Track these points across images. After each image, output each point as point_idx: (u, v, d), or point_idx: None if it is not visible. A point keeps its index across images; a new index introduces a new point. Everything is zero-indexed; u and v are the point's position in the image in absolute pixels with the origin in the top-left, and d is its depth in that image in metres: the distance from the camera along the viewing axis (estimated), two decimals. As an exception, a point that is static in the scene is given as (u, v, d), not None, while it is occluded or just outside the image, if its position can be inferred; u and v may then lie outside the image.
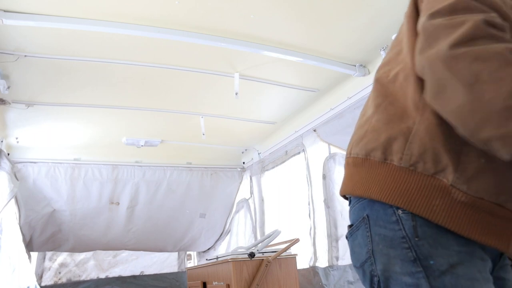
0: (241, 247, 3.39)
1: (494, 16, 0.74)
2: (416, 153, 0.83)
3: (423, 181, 0.82)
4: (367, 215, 0.90)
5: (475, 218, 0.80)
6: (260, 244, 3.04)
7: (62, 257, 4.63)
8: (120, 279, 4.82)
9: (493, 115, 0.67)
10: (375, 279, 0.87)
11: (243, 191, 4.99)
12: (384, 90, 0.95)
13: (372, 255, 0.87)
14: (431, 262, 0.80)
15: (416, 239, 0.81)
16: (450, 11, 0.76)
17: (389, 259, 0.84)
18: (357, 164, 0.94)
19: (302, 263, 3.42)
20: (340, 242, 3.29)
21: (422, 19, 0.80)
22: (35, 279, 3.93)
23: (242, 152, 4.85)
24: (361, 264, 0.91)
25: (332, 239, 3.31)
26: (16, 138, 3.71)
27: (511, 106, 0.64)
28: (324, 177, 3.43)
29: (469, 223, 0.79)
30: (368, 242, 0.88)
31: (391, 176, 0.86)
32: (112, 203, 4.40)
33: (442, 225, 0.80)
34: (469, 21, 0.71)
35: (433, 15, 0.77)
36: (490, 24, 0.71)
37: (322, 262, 3.35)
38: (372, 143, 0.91)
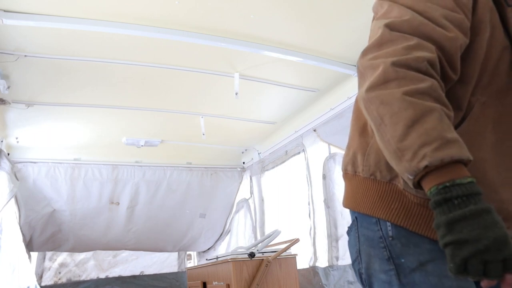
0: (241, 247, 3.39)
1: (412, 47, 0.80)
2: (373, 163, 0.92)
3: (383, 187, 0.90)
4: (356, 218, 0.97)
5: (430, 217, 0.83)
6: (260, 244, 3.04)
7: (62, 257, 4.63)
8: (120, 279, 4.82)
9: (391, 154, 0.75)
10: (363, 276, 0.93)
11: (243, 191, 4.99)
12: (355, 105, 1.04)
13: (359, 254, 0.94)
14: (402, 260, 0.85)
15: (390, 238, 0.87)
16: (378, 46, 0.83)
17: (370, 258, 0.91)
18: (344, 178, 1.05)
19: (302, 263, 3.42)
20: (340, 242, 3.29)
21: (359, 56, 0.87)
22: (35, 279, 3.93)
23: (242, 152, 4.85)
24: (352, 262, 0.98)
25: (332, 239, 3.31)
26: (16, 138, 3.71)
27: (401, 148, 0.73)
28: (324, 177, 3.43)
29: (424, 222, 0.84)
30: (356, 242, 0.95)
31: (359, 186, 0.95)
32: (112, 203, 4.40)
33: (402, 226, 0.85)
34: (381, 65, 0.78)
35: (364, 53, 0.85)
36: (400, 65, 0.78)
37: (322, 262, 3.35)
38: (345, 158, 1.02)
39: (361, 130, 0.97)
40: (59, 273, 4.59)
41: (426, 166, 0.70)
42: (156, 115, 3.53)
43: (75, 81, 2.84)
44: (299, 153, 3.90)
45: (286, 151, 4.08)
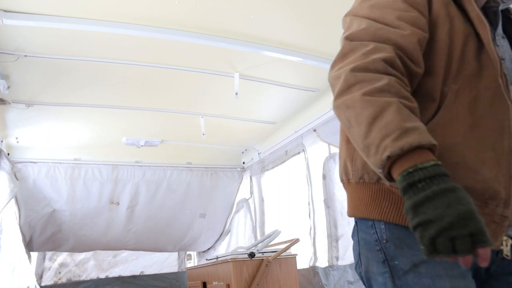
0: (241, 247, 3.39)
1: (369, 51, 0.86)
2: (360, 167, 0.95)
3: (372, 188, 0.93)
4: (356, 222, 1.00)
5: None
6: (260, 244, 3.04)
7: (62, 257, 4.64)
8: (120, 279, 4.82)
9: (362, 153, 0.80)
10: (364, 279, 0.96)
11: (243, 191, 4.99)
12: None
13: (359, 258, 0.97)
14: (396, 262, 0.87)
15: (384, 241, 0.89)
16: (341, 57, 0.90)
17: (368, 261, 0.93)
18: (343, 187, 1.08)
19: (302, 263, 3.42)
20: (340, 242, 3.29)
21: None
22: (35, 279, 3.93)
23: (242, 152, 4.85)
24: (355, 266, 1.00)
25: (332, 239, 3.31)
26: (16, 138, 3.71)
27: (366, 144, 0.77)
28: (324, 177, 3.43)
29: None
30: (357, 246, 0.99)
31: (354, 192, 0.98)
32: (112, 203, 4.40)
33: (395, 223, 0.87)
34: (342, 73, 0.85)
35: (331, 66, 0.92)
36: (359, 69, 0.84)
37: (322, 262, 3.35)
38: (339, 168, 1.06)
39: (346, 138, 1.01)
40: (59, 273, 4.59)
41: (388, 157, 0.73)
42: (156, 115, 3.53)
43: (75, 81, 2.84)
44: (299, 153, 3.90)
45: (286, 151, 4.09)
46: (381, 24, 0.90)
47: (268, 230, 4.29)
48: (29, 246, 4.16)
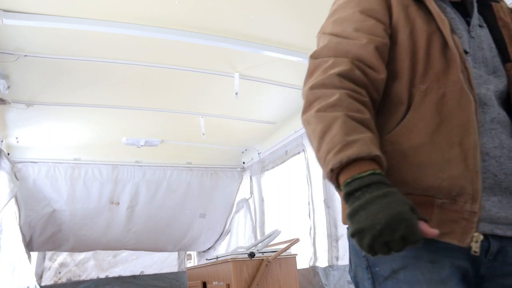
0: (241, 247, 3.39)
1: (328, 67, 0.91)
2: None
3: None
4: (347, 228, 1.01)
5: None
6: (260, 244, 3.04)
7: (62, 257, 4.64)
8: (120, 279, 4.82)
9: (319, 162, 0.84)
10: (354, 283, 0.99)
11: (243, 191, 4.99)
12: None
13: (350, 263, 1.00)
14: (377, 269, 0.89)
15: None
16: (308, 76, 0.94)
17: (356, 266, 0.96)
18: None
19: (302, 263, 3.42)
20: (340, 242, 3.29)
21: None
22: (35, 279, 3.93)
23: (242, 152, 4.85)
24: (348, 270, 1.03)
25: (332, 239, 3.31)
26: (16, 138, 3.71)
27: (318, 159, 0.83)
28: (324, 177, 3.43)
29: None
30: (349, 252, 1.01)
31: (342, 200, 0.99)
32: (112, 203, 4.40)
33: None
34: (305, 93, 0.91)
35: (303, 84, 0.96)
36: (316, 86, 0.89)
37: (322, 262, 3.35)
38: None
39: None
40: (59, 273, 4.59)
41: (331, 170, 0.78)
42: (156, 115, 3.53)
43: (75, 81, 2.84)
44: (299, 153, 3.90)
45: (286, 151, 4.09)
46: (341, 37, 0.95)
47: (268, 230, 4.29)
48: (29, 246, 4.16)
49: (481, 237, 0.82)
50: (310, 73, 0.95)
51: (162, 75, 2.87)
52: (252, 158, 4.76)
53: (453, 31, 0.95)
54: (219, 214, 4.98)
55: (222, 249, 5.03)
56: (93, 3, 2.08)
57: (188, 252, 5.39)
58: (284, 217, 4.06)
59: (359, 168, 0.76)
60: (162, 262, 5.13)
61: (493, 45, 1.00)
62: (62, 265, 4.62)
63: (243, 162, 4.99)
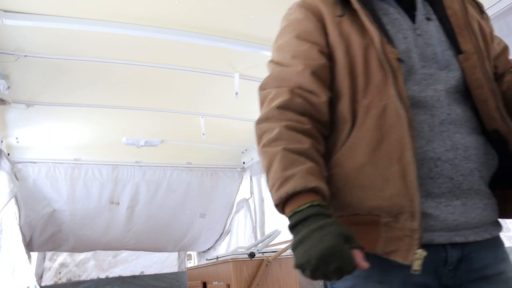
0: (241, 247, 3.39)
1: (271, 99, 0.95)
2: None
3: None
4: None
5: None
6: (260, 244, 3.03)
7: (62, 257, 4.63)
8: (120, 279, 4.82)
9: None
10: None
11: (243, 191, 4.99)
12: None
13: None
14: (334, 285, 0.92)
15: None
16: (260, 108, 1.01)
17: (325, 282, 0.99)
18: None
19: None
20: (340, 242, 3.28)
21: None
22: (35, 279, 3.93)
23: (242, 152, 4.85)
24: None
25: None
26: (16, 138, 3.71)
27: (270, 192, 0.85)
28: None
29: None
30: None
31: None
32: (112, 203, 4.40)
33: None
34: (254, 127, 0.95)
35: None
36: (261, 121, 0.94)
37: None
38: None
39: None
40: (59, 273, 4.59)
41: (276, 205, 0.82)
42: (156, 115, 3.53)
43: (75, 81, 2.84)
44: (299, 153, 3.89)
45: (286, 151, 4.07)
46: (282, 66, 0.98)
47: (268, 230, 4.28)
48: (29, 246, 4.16)
49: (424, 253, 0.79)
50: (260, 106, 1.01)
51: (162, 75, 2.87)
52: (252, 158, 4.76)
53: (389, 40, 0.91)
54: (219, 214, 4.98)
55: (222, 249, 5.03)
56: (93, 3, 2.08)
57: (188, 252, 5.38)
58: (284, 217, 4.05)
59: (298, 202, 0.79)
60: (162, 262, 5.13)
61: (444, 38, 0.96)
62: (62, 265, 4.62)
63: (243, 162, 4.99)
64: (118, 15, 2.20)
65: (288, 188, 0.80)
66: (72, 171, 4.22)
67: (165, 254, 5.13)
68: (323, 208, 0.78)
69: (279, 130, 0.88)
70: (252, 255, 2.82)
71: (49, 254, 4.57)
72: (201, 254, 5.33)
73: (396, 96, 0.86)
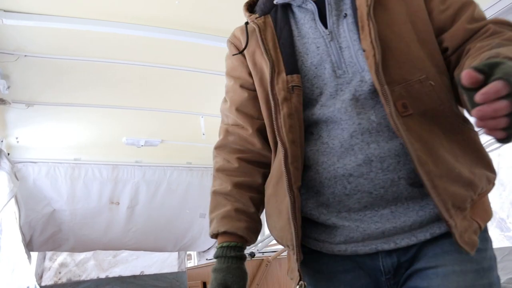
0: (241, 247, 3.38)
1: (227, 121, 1.06)
2: None
3: None
4: None
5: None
6: (260, 244, 3.04)
7: (62, 257, 4.63)
8: (120, 279, 4.82)
9: None
10: None
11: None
12: None
13: None
14: None
15: None
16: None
17: None
18: None
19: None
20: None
21: None
22: (35, 279, 3.93)
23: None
24: None
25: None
26: (16, 138, 3.71)
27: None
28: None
29: None
30: None
31: None
32: (112, 203, 4.40)
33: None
34: None
35: None
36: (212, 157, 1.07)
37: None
38: None
39: None
40: (59, 273, 4.59)
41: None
42: (156, 115, 3.53)
43: (75, 81, 2.84)
44: (299, 153, 3.89)
45: (286, 151, 4.08)
46: (223, 103, 1.07)
47: (268, 230, 4.28)
48: (29, 246, 4.16)
49: (304, 284, 0.85)
50: None
51: (162, 75, 2.87)
52: (252, 158, 4.75)
53: (290, 65, 0.89)
54: (219, 214, 4.97)
55: (222, 249, 5.02)
56: (93, 3, 2.08)
57: (188, 252, 5.38)
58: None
59: (218, 240, 0.97)
60: (162, 262, 5.13)
61: (356, 36, 0.84)
62: (62, 265, 4.62)
63: (243, 162, 4.98)
64: (118, 15, 2.20)
65: (210, 230, 1.00)
66: (72, 171, 4.22)
67: (165, 254, 5.13)
68: (228, 250, 0.92)
69: (213, 172, 1.04)
70: (252, 255, 2.82)
71: (49, 254, 4.56)
72: (201, 254, 5.33)
73: (277, 132, 0.87)
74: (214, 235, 0.98)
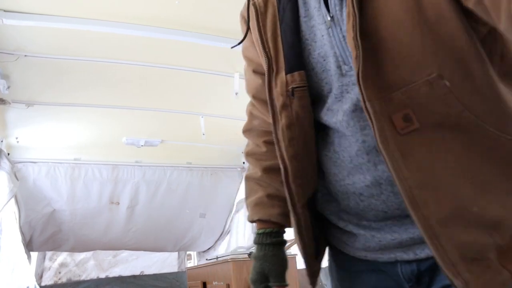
0: (241, 247, 3.39)
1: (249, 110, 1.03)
2: None
3: None
4: None
5: None
6: (260, 244, 3.03)
7: (62, 257, 4.64)
8: (120, 279, 4.82)
9: None
10: None
11: (243, 191, 4.98)
12: None
13: None
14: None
15: None
16: None
17: None
18: None
19: (302, 263, 3.41)
20: (340, 242, 3.28)
21: None
22: (35, 280, 3.93)
23: (242, 152, 4.81)
24: None
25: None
26: (16, 138, 3.71)
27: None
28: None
29: None
30: None
31: None
32: (112, 203, 4.40)
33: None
34: None
35: None
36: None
37: (322, 262, 3.35)
38: None
39: None
40: (59, 273, 4.59)
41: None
42: (156, 115, 3.52)
43: (75, 81, 2.84)
44: (299, 153, 3.89)
45: (286, 151, 4.07)
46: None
47: (268, 230, 4.28)
48: (29, 246, 4.16)
49: None
50: None
51: (162, 75, 2.86)
52: (252, 158, 4.75)
53: (291, 60, 0.74)
54: (219, 214, 4.98)
55: (222, 249, 5.03)
56: (93, 3, 2.08)
57: (188, 252, 5.38)
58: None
59: (256, 226, 0.93)
60: (162, 262, 5.13)
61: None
62: (62, 265, 4.62)
63: (243, 162, 4.98)
64: (118, 15, 2.20)
65: (247, 217, 0.96)
66: (72, 171, 4.21)
67: (165, 254, 5.13)
68: (264, 236, 0.89)
69: (246, 157, 1.01)
70: (251, 255, 2.81)
71: (49, 254, 4.57)
72: (201, 254, 5.33)
73: (276, 146, 0.78)
74: (252, 222, 0.95)
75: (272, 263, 0.88)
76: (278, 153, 0.77)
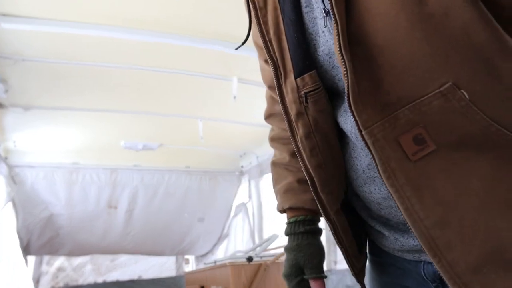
0: (239, 251, 3.38)
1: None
2: None
3: None
4: None
5: None
6: (258, 248, 3.03)
7: (60, 261, 4.62)
8: (117, 284, 4.81)
9: None
10: None
11: (242, 195, 4.98)
12: None
13: None
14: None
15: None
16: None
17: None
18: None
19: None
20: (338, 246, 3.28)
21: None
22: (32, 284, 3.91)
23: (241, 156, 4.85)
24: None
25: (331, 243, 3.30)
26: (14, 142, 3.70)
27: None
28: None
29: None
30: None
31: None
32: (110, 207, 4.39)
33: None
34: None
35: None
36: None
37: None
38: None
39: None
40: (57, 277, 4.57)
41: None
42: (154, 118, 3.52)
43: (73, 85, 2.84)
44: (297, 157, 3.89)
45: (285, 155, 4.08)
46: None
47: (266, 234, 4.28)
48: (27, 250, 4.15)
49: None
50: None
51: (160, 79, 2.87)
52: (251, 162, 4.75)
53: (298, 61, 0.64)
54: (218, 218, 4.97)
55: (220, 253, 5.02)
56: (91, 7, 2.08)
57: (185, 256, 5.37)
58: (283, 221, 4.05)
59: (287, 215, 0.86)
60: (160, 267, 5.12)
61: None
62: (59, 269, 4.61)
63: (242, 166, 4.98)
64: (116, 19, 2.20)
65: (276, 206, 0.87)
66: (70, 175, 4.21)
67: (163, 259, 5.12)
68: (296, 225, 0.82)
69: (270, 143, 0.92)
70: (250, 259, 2.81)
71: (46, 258, 4.55)
72: (199, 258, 5.32)
73: (298, 154, 0.69)
74: (281, 212, 0.85)
75: (308, 254, 0.79)
76: (301, 163, 0.69)
